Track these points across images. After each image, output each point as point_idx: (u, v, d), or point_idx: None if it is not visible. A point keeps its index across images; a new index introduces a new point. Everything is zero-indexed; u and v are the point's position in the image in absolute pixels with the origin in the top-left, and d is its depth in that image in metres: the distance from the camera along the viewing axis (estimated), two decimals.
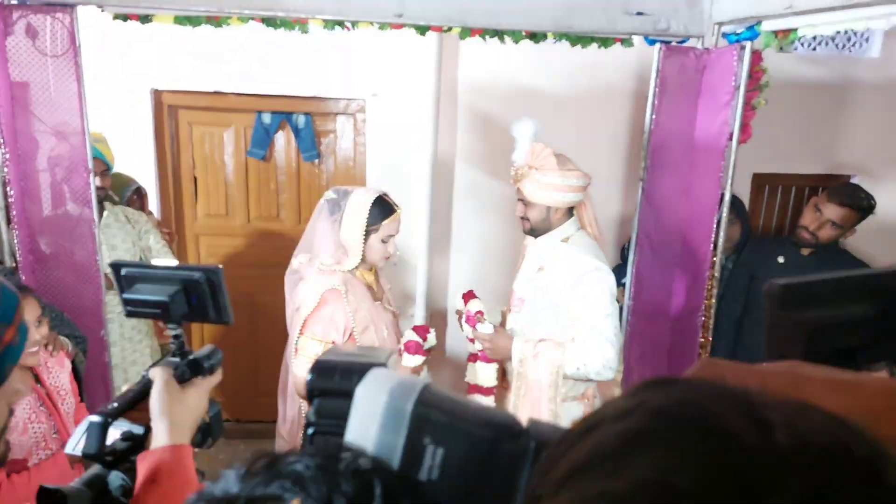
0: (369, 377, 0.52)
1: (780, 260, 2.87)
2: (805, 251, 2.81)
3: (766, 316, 0.63)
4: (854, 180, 3.54)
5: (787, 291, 0.62)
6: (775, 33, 2.32)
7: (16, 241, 2.31)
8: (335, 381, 0.68)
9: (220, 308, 1.08)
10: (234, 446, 3.65)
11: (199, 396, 1.04)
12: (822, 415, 0.33)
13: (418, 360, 2.13)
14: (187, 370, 1.06)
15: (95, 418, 0.95)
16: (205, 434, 1.08)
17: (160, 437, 0.95)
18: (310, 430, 0.67)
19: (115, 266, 1.09)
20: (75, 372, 2.22)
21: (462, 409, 0.50)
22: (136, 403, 1.00)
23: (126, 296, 1.07)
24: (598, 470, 0.33)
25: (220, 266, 1.06)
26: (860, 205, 2.69)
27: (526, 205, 2.13)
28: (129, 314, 1.08)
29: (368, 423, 0.48)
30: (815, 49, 3.47)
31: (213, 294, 1.07)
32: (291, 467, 0.47)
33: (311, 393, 0.69)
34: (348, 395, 0.66)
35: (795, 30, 2.25)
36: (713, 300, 2.65)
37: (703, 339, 2.69)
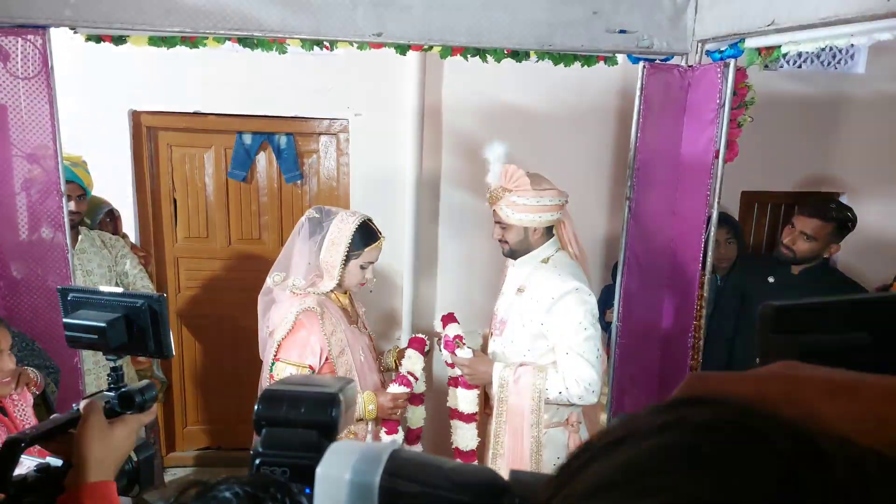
0: (329, 453, 0.47)
1: (771, 280, 2.84)
2: (795, 269, 2.78)
3: (758, 338, 0.60)
4: (843, 198, 3.52)
5: (780, 314, 0.59)
6: (759, 50, 2.29)
7: None
8: (283, 412, 0.67)
9: (161, 340, 1.03)
10: (216, 475, 3.54)
11: (126, 433, 0.97)
12: (878, 457, 0.31)
13: (404, 390, 2.07)
14: (117, 404, 1.00)
15: (9, 438, 0.88)
16: (131, 479, 1.01)
17: (82, 475, 0.89)
18: (256, 461, 0.64)
19: (63, 291, 1.05)
20: (46, 403, 2.14)
21: (435, 474, 0.46)
22: (58, 432, 0.94)
23: (66, 320, 1.02)
24: (633, 486, 0.30)
25: (164, 294, 1.01)
26: (829, 215, 2.68)
27: (503, 227, 2.09)
28: (69, 340, 1.03)
29: None
30: (800, 66, 3.46)
31: (155, 324, 1.02)
32: (221, 495, 0.44)
33: (258, 423, 0.67)
34: (296, 426, 0.65)
35: (779, 46, 2.23)
36: (703, 320, 2.60)
37: (693, 361, 2.64)
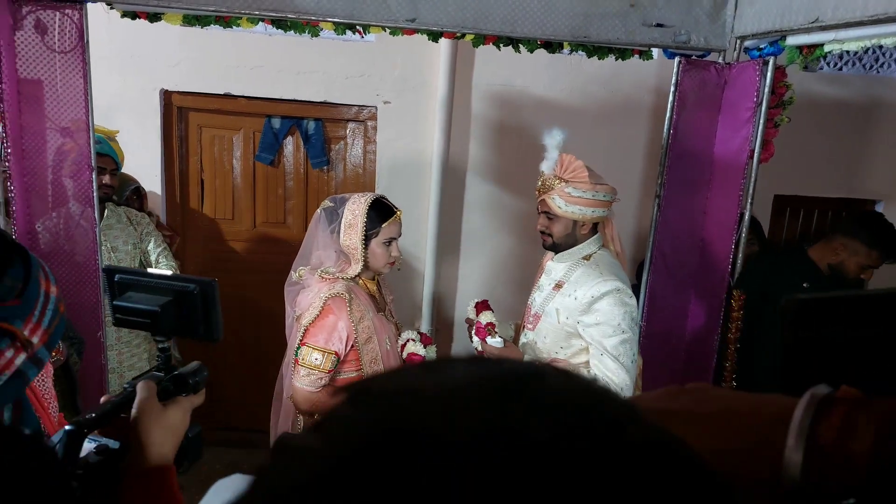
0: (211, 492, 0.46)
1: (805, 285, 2.74)
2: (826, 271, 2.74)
3: (781, 333, 0.57)
4: (878, 206, 3.43)
5: (805, 307, 0.57)
6: (800, 49, 2.24)
7: (14, 236, 2.27)
8: None
9: (211, 323, 1.05)
10: (230, 454, 3.57)
11: (181, 415, 0.98)
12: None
13: None
14: (171, 386, 1.01)
15: (71, 428, 0.88)
16: (181, 455, 1.01)
17: (142, 459, 0.90)
18: None
19: (108, 271, 1.07)
20: (68, 374, 2.16)
21: None
22: (114, 416, 0.94)
23: (117, 303, 1.04)
24: None
25: (216, 280, 1.02)
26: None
27: (550, 218, 2.03)
28: (117, 322, 1.05)
29: None
30: (840, 69, 3.37)
31: (206, 308, 1.04)
32: None
33: None
34: None
35: (821, 45, 2.17)
36: (738, 322, 2.54)
37: (729, 364, 2.58)
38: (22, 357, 0.76)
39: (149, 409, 0.93)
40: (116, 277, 1.06)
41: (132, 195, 2.97)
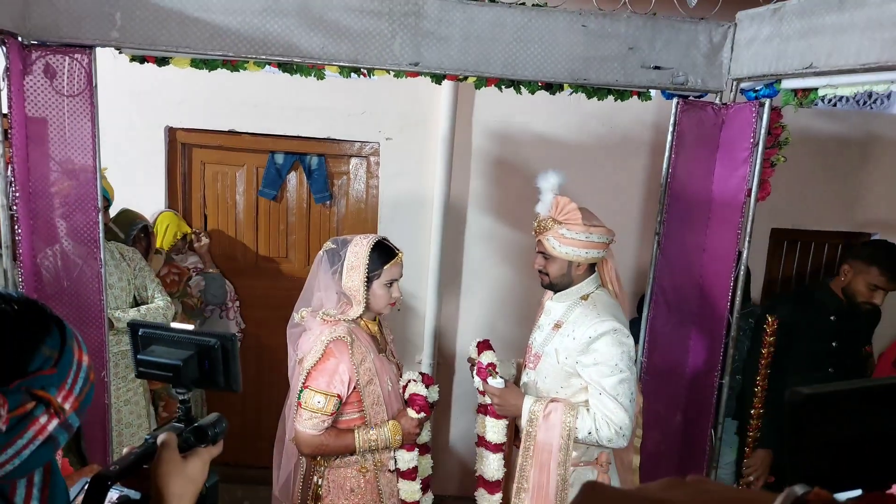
0: None
1: (832, 318, 2.86)
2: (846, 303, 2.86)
3: (787, 428, 0.59)
4: (875, 237, 3.47)
5: (812, 403, 0.58)
6: (795, 91, 2.28)
7: (20, 278, 2.29)
8: None
9: (231, 375, 1.09)
10: (231, 492, 3.56)
11: (201, 467, 1.01)
12: None
13: (422, 416, 2.05)
14: (191, 438, 1.03)
15: (98, 478, 0.92)
16: None
17: None
18: None
19: (133, 325, 1.09)
20: None
21: None
22: (137, 467, 0.97)
23: (141, 356, 1.07)
24: None
25: (237, 334, 1.05)
26: None
27: (546, 258, 2.07)
28: (140, 375, 1.08)
29: None
30: (835, 105, 3.43)
31: (226, 361, 1.07)
32: None
33: None
34: None
35: (816, 89, 2.22)
36: (729, 359, 2.57)
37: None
38: (55, 423, 0.78)
39: (169, 461, 0.96)
40: (140, 332, 1.09)
41: (140, 233, 2.98)
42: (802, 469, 0.56)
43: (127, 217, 2.95)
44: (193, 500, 0.98)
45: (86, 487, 0.91)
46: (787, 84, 2.28)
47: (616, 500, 0.52)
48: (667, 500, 0.50)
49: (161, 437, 0.98)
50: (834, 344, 2.87)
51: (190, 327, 1.10)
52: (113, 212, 2.86)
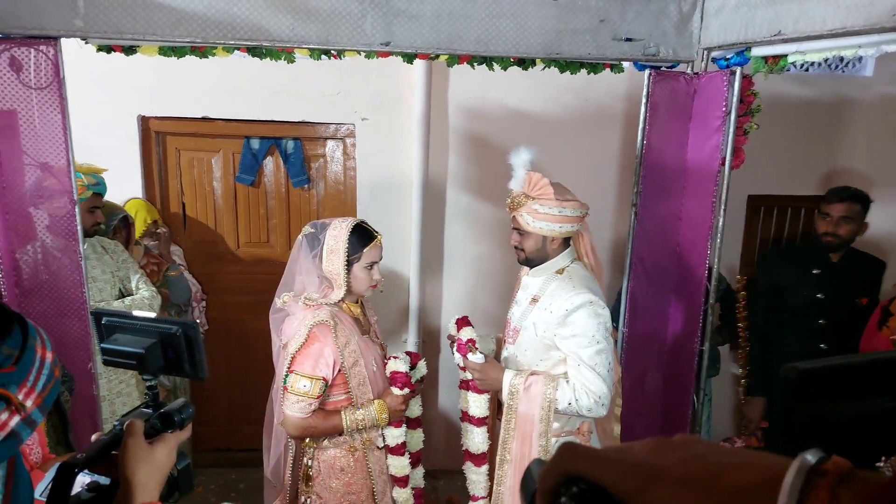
0: None
1: (816, 271, 3.04)
2: (834, 257, 3.03)
3: (782, 405, 0.60)
4: None
5: (805, 378, 0.59)
6: (765, 59, 2.30)
7: (0, 274, 2.28)
8: None
9: (196, 363, 1.10)
10: (224, 475, 3.59)
11: (167, 452, 1.02)
12: None
13: (406, 392, 2.08)
14: (158, 423, 1.05)
15: (64, 466, 0.93)
16: (172, 487, 1.06)
17: (129, 498, 0.94)
18: None
19: (96, 314, 1.10)
20: (60, 411, 2.17)
21: None
22: (106, 453, 0.99)
23: (104, 345, 1.08)
24: None
25: (197, 321, 1.06)
26: (857, 194, 2.96)
27: (521, 234, 2.09)
28: (106, 363, 1.09)
29: None
30: (807, 69, 3.46)
31: (190, 348, 1.09)
32: None
33: None
34: None
35: (786, 56, 2.23)
36: (708, 327, 2.62)
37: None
38: (16, 419, 0.80)
39: (134, 448, 0.97)
40: (103, 320, 1.10)
41: (119, 224, 2.96)
42: (795, 441, 0.58)
43: (106, 208, 2.93)
44: (161, 485, 0.99)
45: (54, 477, 0.93)
46: (757, 52, 2.29)
47: (592, 461, 0.47)
48: (654, 465, 0.45)
49: (126, 425, 1.00)
50: (819, 296, 3.02)
51: (152, 315, 1.12)
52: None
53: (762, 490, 0.39)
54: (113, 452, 0.98)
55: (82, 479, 0.96)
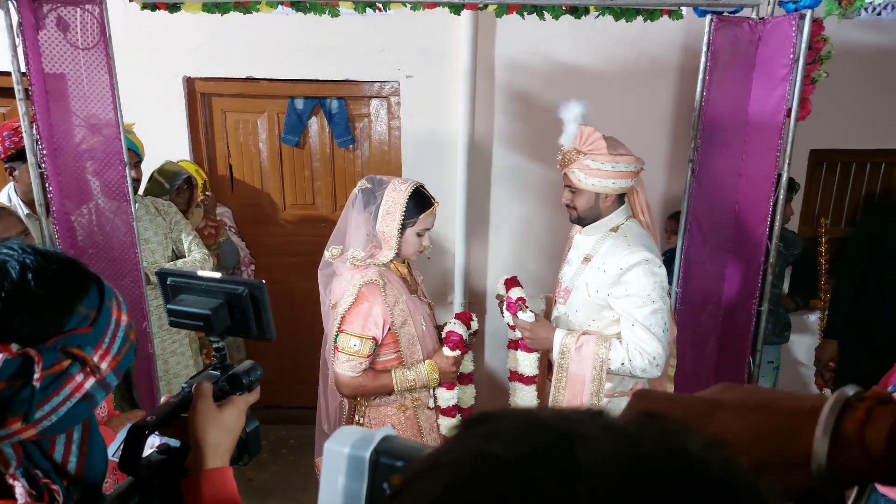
0: (336, 433, 0.56)
1: None
2: None
3: None
4: None
5: None
6: None
7: (56, 235, 2.32)
8: None
9: (263, 324, 1.07)
10: (275, 431, 3.68)
11: (237, 415, 1.00)
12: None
13: (457, 353, 2.06)
14: (227, 386, 1.03)
15: (135, 428, 0.93)
16: (241, 450, 1.05)
17: (200, 461, 0.93)
18: None
19: (161, 275, 1.08)
20: (126, 374, 2.23)
21: (417, 455, 0.53)
22: (175, 416, 0.98)
23: (170, 306, 1.06)
24: None
25: (263, 281, 1.03)
26: None
27: (573, 192, 2.01)
28: (173, 324, 1.07)
29: (336, 474, 0.54)
30: (879, 14, 3.22)
31: (256, 309, 1.05)
32: None
33: None
34: None
35: None
36: (768, 287, 2.51)
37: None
38: (91, 381, 0.79)
39: (204, 410, 0.96)
40: (169, 281, 1.08)
41: (183, 185, 2.98)
42: None
43: (170, 170, 2.96)
44: (231, 447, 0.98)
45: (125, 439, 0.93)
46: None
47: (665, 401, 0.53)
48: (717, 399, 0.51)
49: (195, 387, 0.98)
50: None
51: (217, 275, 1.09)
52: (145, 168, 2.86)
53: (811, 412, 0.46)
54: (182, 415, 0.97)
55: (152, 441, 0.96)
